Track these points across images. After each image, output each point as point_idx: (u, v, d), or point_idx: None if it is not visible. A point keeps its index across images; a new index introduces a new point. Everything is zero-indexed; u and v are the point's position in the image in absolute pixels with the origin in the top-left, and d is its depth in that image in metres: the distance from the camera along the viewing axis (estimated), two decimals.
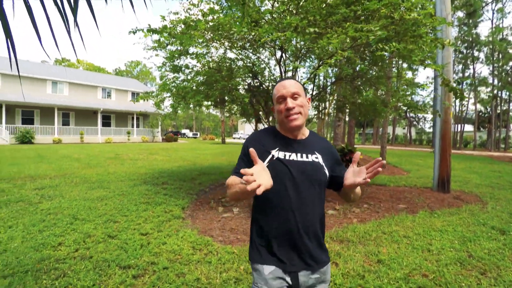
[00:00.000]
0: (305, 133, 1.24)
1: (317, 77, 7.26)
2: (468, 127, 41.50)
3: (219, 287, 2.43)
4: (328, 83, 6.42)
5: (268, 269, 1.12)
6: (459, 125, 35.29)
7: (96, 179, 7.00)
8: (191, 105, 6.19)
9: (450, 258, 3.00)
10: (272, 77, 6.32)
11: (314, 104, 7.69)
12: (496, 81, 29.86)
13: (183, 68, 5.86)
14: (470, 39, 29.72)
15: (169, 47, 5.35)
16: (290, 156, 1.14)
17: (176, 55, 5.19)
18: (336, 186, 1.23)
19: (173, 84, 5.75)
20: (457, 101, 34.80)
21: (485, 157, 18.94)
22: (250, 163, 1.05)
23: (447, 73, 5.41)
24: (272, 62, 6.31)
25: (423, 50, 4.30)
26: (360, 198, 1.52)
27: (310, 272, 1.14)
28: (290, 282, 1.13)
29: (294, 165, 1.13)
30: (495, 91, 30.89)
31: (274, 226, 1.13)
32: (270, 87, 6.64)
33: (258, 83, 6.30)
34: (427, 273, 2.69)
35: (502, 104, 33.62)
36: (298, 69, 6.01)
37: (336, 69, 6.43)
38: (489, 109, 36.17)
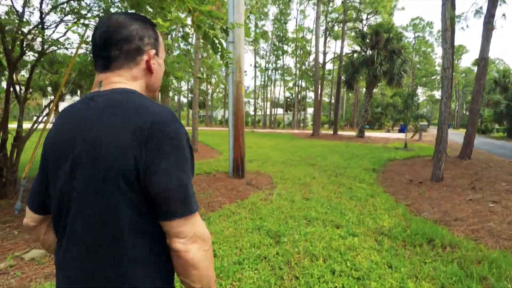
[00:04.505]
0: None
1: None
2: (280, 110, 49.99)
3: None
4: None
5: None
6: (274, 109, 41.81)
7: None
8: None
9: None
10: None
11: None
12: (297, 72, 36.87)
13: None
14: (281, 34, 34.68)
15: None
16: None
17: None
18: None
19: None
20: (270, 89, 40.88)
21: (289, 135, 22.55)
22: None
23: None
24: None
25: None
26: None
27: None
28: None
29: None
30: (297, 80, 38.23)
31: None
32: None
33: None
34: None
35: (301, 91, 42.40)
36: None
37: None
38: (293, 95, 44.75)
